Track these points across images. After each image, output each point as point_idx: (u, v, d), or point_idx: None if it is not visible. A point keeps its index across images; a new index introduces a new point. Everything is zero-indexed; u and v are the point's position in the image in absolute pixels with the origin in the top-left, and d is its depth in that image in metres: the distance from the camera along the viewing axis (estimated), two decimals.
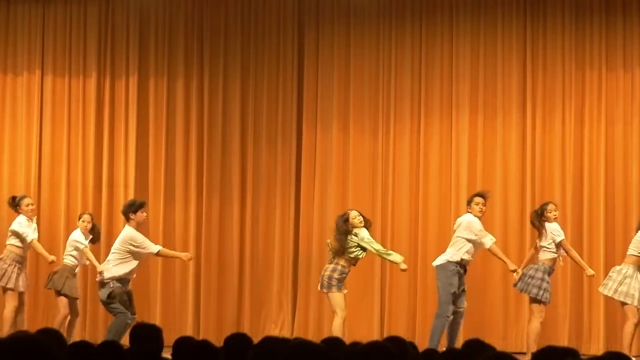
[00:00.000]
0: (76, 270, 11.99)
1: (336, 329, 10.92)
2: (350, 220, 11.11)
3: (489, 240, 11.13)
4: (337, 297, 11.01)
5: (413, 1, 13.33)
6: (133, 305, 11.30)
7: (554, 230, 11.07)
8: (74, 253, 11.89)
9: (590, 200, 12.74)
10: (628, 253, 11.08)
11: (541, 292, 10.95)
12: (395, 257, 11.05)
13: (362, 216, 11.18)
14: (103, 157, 13.57)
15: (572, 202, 12.71)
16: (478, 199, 11.23)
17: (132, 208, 11.31)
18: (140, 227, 11.46)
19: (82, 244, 11.87)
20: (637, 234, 11.00)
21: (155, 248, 11.30)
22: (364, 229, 11.11)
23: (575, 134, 12.82)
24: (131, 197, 13.36)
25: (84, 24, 13.73)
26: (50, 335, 4.81)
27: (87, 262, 12.07)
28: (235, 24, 13.69)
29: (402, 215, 13.13)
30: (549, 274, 11.06)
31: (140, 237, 11.30)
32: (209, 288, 13.42)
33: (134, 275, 11.36)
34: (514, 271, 11.14)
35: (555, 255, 11.10)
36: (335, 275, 11.02)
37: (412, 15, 13.30)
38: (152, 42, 13.69)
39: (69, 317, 11.94)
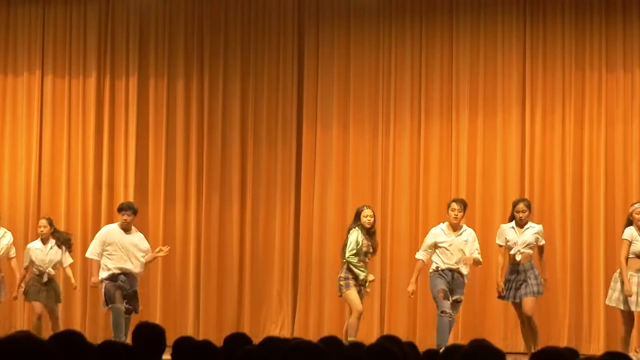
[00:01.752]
0: (45, 279, 11.83)
1: (350, 326, 11.09)
2: (361, 217, 11.18)
3: (419, 254, 11.31)
4: (347, 295, 11.10)
5: (413, 1, 13.33)
6: (134, 301, 11.46)
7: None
8: (27, 263, 11.84)
9: (590, 200, 12.73)
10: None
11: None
12: (360, 273, 11.11)
13: (373, 219, 11.25)
14: (103, 157, 13.57)
15: (572, 202, 12.71)
16: (453, 205, 11.29)
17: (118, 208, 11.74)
18: (137, 227, 11.58)
19: (35, 257, 11.81)
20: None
21: (88, 253, 11.57)
22: (355, 232, 11.14)
23: (575, 134, 12.82)
24: (131, 197, 13.38)
25: (84, 24, 13.73)
26: (71, 339, 4.78)
27: (51, 270, 11.95)
28: (235, 24, 13.69)
29: (402, 214, 13.13)
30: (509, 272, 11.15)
31: (98, 234, 11.59)
32: (209, 288, 13.41)
33: (125, 269, 11.42)
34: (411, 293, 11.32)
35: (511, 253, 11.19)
36: (342, 275, 11.10)
37: (412, 15, 13.30)
38: (152, 42, 13.70)
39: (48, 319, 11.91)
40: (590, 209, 12.72)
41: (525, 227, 11.18)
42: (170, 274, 13.47)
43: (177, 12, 13.71)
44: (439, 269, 11.14)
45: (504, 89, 13.03)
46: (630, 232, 10.97)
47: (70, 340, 4.46)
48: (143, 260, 11.56)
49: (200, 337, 11.58)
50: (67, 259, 12.03)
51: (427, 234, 12.79)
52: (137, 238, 11.62)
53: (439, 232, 11.25)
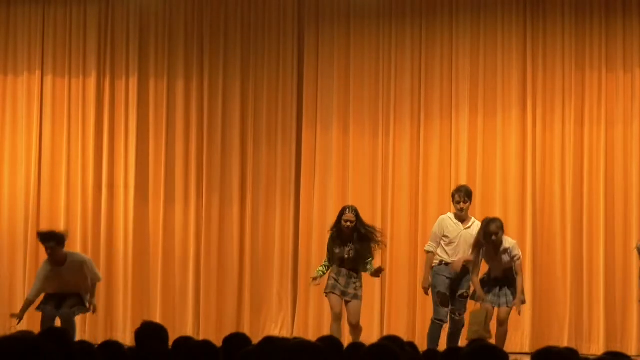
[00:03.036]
0: None
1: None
2: (341, 221, 10.88)
3: (428, 246, 11.04)
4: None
5: (413, 1, 13.33)
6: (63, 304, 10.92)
7: None
8: None
9: (590, 200, 12.73)
10: None
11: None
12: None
13: (355, 219, 10.83)
14: (103, 157, 13.56)
15: (572, 202, 12.70)
16: (456, 197, 11.02)
17: None
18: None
19: None
20: None
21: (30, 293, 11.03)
22: (329, 239, 11.00)
23: (575, 134, 12.82)
24: (131, 197, 13.39)
25: (84, 24, 13.72)
26: (56, 336, 4.81)
27: None
28: (235, 24, 13.69)
29: (402, 215, 13.12)
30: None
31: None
32: (209, 288, 13.41)
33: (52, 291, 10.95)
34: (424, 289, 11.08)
35: None
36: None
37: (412, 15, 13.30)
38: (152, 42, 13.69)
39: None
40: (590, 209, 12.72)
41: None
42: (169, 274, 13.46)
43: (177, 12, 13.71)
44: (443, 262, 10.84)
45: (504, 89, 13.03)
46: None
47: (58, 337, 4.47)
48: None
49: (200, 337, 11.58)
50: None
51: (426, 233, 12.77)
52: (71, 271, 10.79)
53: (446, 220, 10.95)
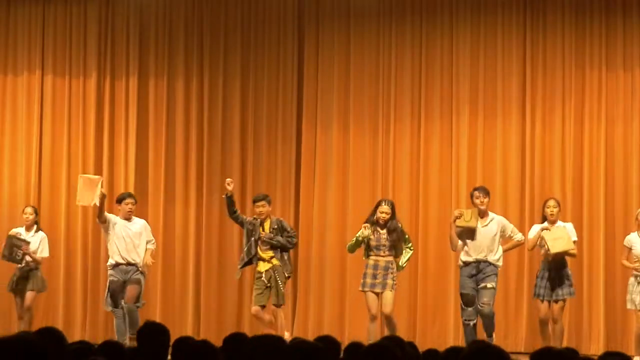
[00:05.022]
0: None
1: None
2: (377, 212, 11.12)
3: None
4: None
5: (413, 1, 13.34)
6: (124, 296, 11.40)
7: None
8: None
9: (590, 200, 12.73)
10: None
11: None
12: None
13: (392, 212, 11.13)
14: (103, 157, 13.56)
15: (572, 202, 12.70)
16: (476, 193, 11.24)
17: None
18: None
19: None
20: None
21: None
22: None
23: (575, 134, 12.82)
24: None
25: (84, 24, 13.73)
26: (50, 335, 4.82)
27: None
28: (235, 24, 13.69)
29: (402, 215, 13.08)
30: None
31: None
32: (209, 288, 13.41)
33: (121, 259, 11.43)
34: None
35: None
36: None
37: (412, 15, 13.31)
38: (152, 42, 13.70)
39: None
40: (590, 209, 12.72)
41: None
42: (170, 274, 13.46)
43: (177, 12, 13.71)
44: (466, 262, 11.03)
45: (504, 89, 13.03)
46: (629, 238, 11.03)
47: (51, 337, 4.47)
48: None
49: (200, 337, 11.57)
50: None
51: (427, 233, 12.82)
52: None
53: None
